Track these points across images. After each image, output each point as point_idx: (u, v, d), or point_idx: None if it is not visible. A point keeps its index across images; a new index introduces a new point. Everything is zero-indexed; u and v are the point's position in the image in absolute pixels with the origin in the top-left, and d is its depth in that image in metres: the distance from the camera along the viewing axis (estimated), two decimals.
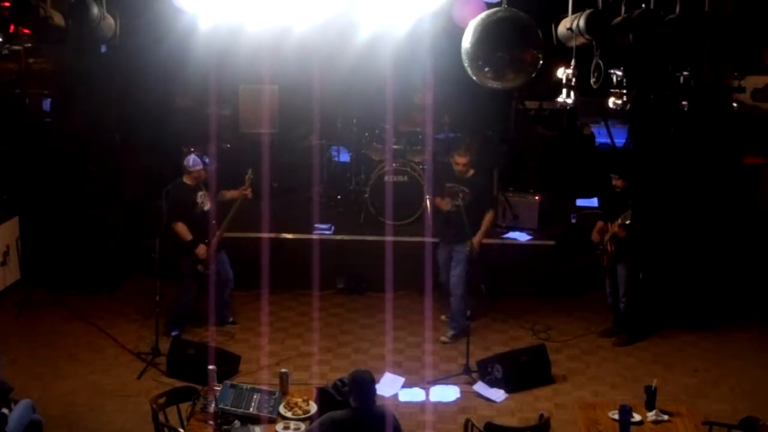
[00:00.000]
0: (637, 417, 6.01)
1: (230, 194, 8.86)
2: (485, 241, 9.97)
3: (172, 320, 8.85)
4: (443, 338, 8.89)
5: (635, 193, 8.67)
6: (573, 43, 6.55)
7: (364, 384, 5.62)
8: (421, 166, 10.60)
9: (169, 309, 8.86)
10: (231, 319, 9.20)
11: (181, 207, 8.63)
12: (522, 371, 8.02)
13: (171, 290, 8.81)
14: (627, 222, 8.47)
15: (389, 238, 9.67)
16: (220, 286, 8.88)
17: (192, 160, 8.66)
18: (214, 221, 8.74)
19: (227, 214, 8.75)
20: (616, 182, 8.74)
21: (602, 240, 8.82)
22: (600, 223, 8.90)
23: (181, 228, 8.58)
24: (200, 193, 8.69)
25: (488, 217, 8.81)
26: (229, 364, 8.09)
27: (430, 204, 10.26)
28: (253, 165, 10.18)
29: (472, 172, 8.80)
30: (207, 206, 8.73)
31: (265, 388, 6.46)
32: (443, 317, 9.25)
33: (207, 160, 8.79)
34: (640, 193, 8.70)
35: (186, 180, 8.68)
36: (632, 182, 8.71)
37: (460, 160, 8.74)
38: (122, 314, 9.52)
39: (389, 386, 7.94)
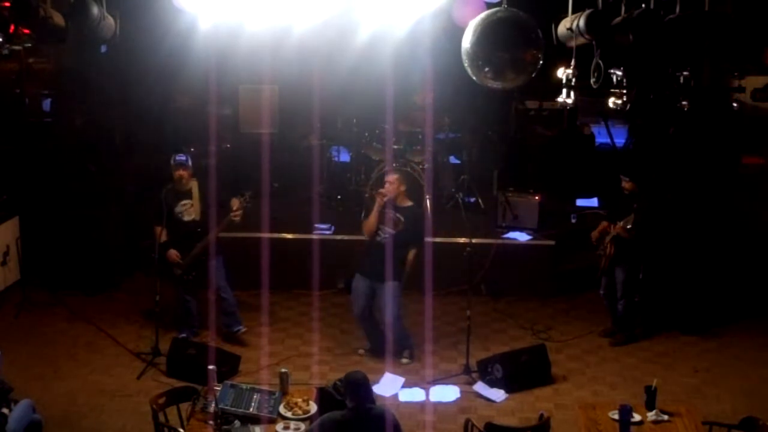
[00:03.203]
0: (637, 417, 6.01)
1: (234, 205, 8.43)
2: (484, 240, 10.02)
3: (177, 323, 8.83)
4: (404, 359, 8.39)
5: (642, 197, 8.64)
6: (573, 43, 6.55)
7: (358, 384, 5.66)
8: (421, 166, 10.60)
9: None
10: (238, 327, 8.85)
11: (160, 211, 8.44)
12: (522, 371, 8.02)
13: (170, 291, 8.81)
14: (629, 227, 8.45)
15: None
16: (216, 294, 8.66)
17: (173, 158, 8.54)
18: (199, 229, 8.50)
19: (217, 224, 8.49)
20: (626, 185, 8.68)
21: (602, 240, 8.81)
22: (604, 224, 8.88)
23: (156, 231, 8.47)
24: (183, 202, 8.49)
25: (412, 255, 8.19)
26: (229, 364, 8.09)
27: (429, 204, 10.27)
28: (253, 165, 10.21)
29: (409, 203, 8.34)
30: (188, 217, 8.50)
31: (265, 388, 6.46)
32: (360, 351, 8.65)
33: (179, 157, 8.42)
34: (646, 198, 8.67)
35: (174, 184, 8.54)
36: (640, 186, 8.69)
37: (389, 178, 8.27)
38: (122, 314, 9.52)
39: (389, 386, 7.94)
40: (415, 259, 8.27)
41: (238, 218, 8.46)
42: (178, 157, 8.50)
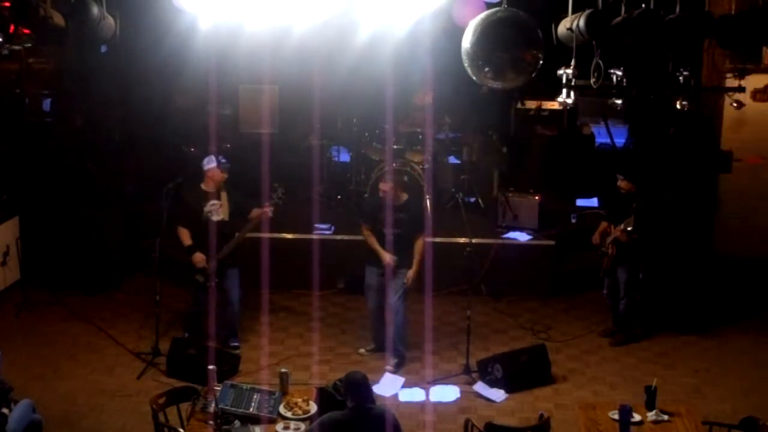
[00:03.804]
0: (637, 417, 6.02)
1: (255, 213, 8.40)
2: (484, 240, 10.02)
3: (184, 324, 8.82)
4: (388, 367, 8.24)
5: (640, 198, 8.64)
6: (573, 43, 6.55)
7: (358, 384, 5.67)
8: (421, 166, 10.60)
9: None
10: (234, 343, 8.63)
11: (185, 212, 8.43)
12: (522, 371, 8.02)
13: (170, 291, 8.81)
14: (629, 228, 8.45)
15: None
16: (221, 303, 8.52)
17: (206, 159, 8.41)
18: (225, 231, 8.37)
19: (241, 230, 8.43)
20: (621, 183, 8.69)
21: (604, 242, 8.81)
22: (604, 224, 8.88)
23: (182, 232, 8.39)
24: (212, 202, 8.35)
25: (419, 244, 8.19)
26: (229, 364, 8.09)
27: (429, 204, 10.26)
28: (253, 165, 10.19)
29: (405, 196, 8.31)
30: (216, 217, 8.35)
31: (265, 388, 6.46)
32: (362, 350, 8.65)
33: (223, 159, 8.39)
34: (645, 198, 8.67)
35: (202, 184, 8.42)
36: (638, 186, 8.68)
37: (383, 187, 8.22)
38: (122, 314, 9.52)
39: (389, 386, 7.95)
40: (423, 248, 8.21)
41: (270, 212, 8.37)
42: (223, 159, 8.38)
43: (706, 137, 9.23)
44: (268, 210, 8.35)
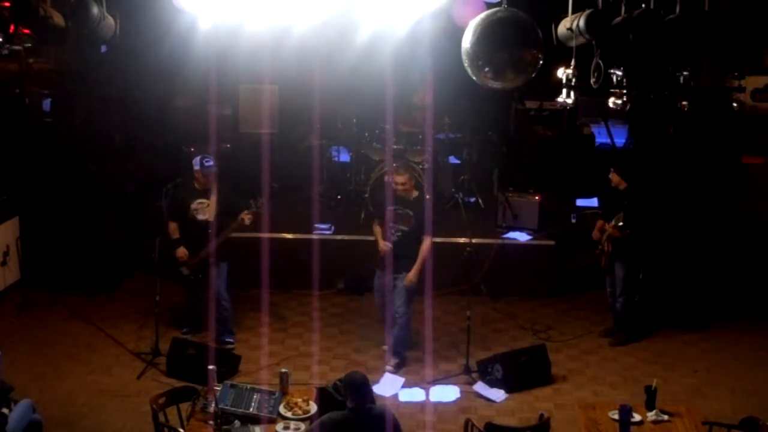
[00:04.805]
0: (637, 417, 6.02)
1: (243, 215, 8.35)
2: (484, 240, 10.03)
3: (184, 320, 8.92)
4: (388, 367, 8.24)
5: (632, 195, 8.67)
6: (573, 43, 6.55)
7: (358, 385, 5.67)
8: (421, 166, 10.60)
9: None
10: (228, 339, 8.69)
11: (174, 207, 8.60)
12: (522, 371, 8.02)
13: (170, 291, 8.81)
14: (620, 224, 8.48)
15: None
16: (210, 298, 8.55)
17: (195, 159, 8.50)
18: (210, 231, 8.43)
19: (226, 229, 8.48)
20: (611, 176, 8.73)
21: (601, 239, 8.82)
22: (600, 222, 8.91)
23: (171, 226, 8.57)
24: (199, 200, 8.46)
25: (426, 245, 8.06)
26: (229, 364, 8.09)
27: (430, 204, 10.26)
28: (253, 165, 10.19)
29: (416, 193, 8.21)
30: (202, 216, 8.46)
31: (265, 388, 6.46)
32: (384, 347, 8.51)
33: (207, 163, 8.39)
34: (637, 194, 8.70)
35: (193, 182, 8.53)
36: (632, 182, 8.70)
37: (399, 179, 8.10)
38: (122, 314, 9.52)
39: (389, 386, 7.95)
40: (428, 249, 8.09)
41: (247, 220, 8.39)
42: (207, 163, 8.39)
43: (707, 137, 9.23)
44: (245, 218, 8.35)
